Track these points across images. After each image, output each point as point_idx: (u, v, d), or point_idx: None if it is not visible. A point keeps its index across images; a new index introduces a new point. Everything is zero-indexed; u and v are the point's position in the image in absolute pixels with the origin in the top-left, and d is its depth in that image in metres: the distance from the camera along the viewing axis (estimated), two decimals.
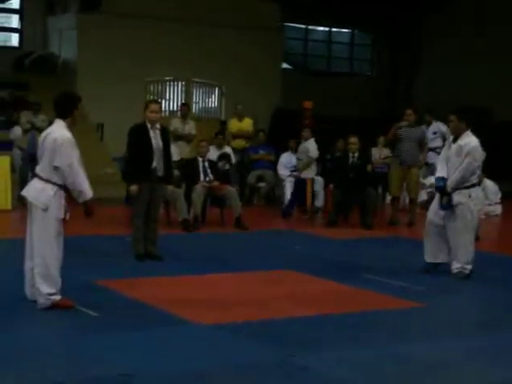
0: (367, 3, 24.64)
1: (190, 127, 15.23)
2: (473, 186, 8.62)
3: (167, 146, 9.46)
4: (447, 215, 8.60)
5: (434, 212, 8.77)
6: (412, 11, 25.24)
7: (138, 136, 9.34)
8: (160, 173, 9.30)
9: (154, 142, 9.24)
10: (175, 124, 15.22)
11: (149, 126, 9.26)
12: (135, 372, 5.19)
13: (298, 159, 14.30)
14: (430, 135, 14.94)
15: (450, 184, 8.48)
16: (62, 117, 6.82)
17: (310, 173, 14.13)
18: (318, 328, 6.55)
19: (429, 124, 15.64)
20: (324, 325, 6.66)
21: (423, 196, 14.55)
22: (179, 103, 19.24)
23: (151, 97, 19.22)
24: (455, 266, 8.63)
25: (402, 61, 26.73)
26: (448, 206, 8.53)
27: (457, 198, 8.50)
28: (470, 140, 8.55)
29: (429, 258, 8.79)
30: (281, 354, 5.75)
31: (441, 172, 8.64)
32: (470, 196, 8.58)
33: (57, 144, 6.62)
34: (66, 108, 6.85)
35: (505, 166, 20.73)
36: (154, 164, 9.22)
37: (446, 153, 8.72)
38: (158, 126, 9.35)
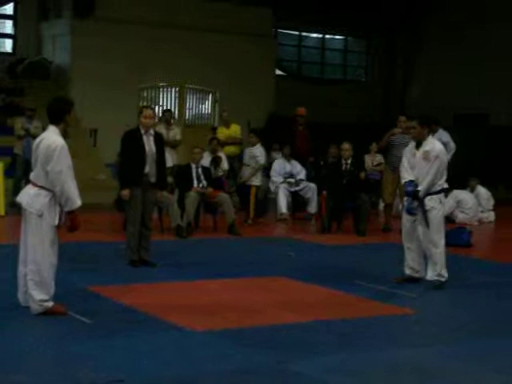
0: (361, 9, 24.68)
1: (174, 133, 15.15)
2: (442, 191, 8.61)
3: (161, 151, 9.46)
4: (420, 223, 8.55)
5: (408, 225, 8.73)
6: (409, 16, 25.27)
7: (131, 141, 9.34)
8: (152, 179, 9.30)
9: (147, 147, 9.24)
10: (159, 131, 15.15)
11: (142, 131, 9.27)
12: (127, 378, 5.18)
13: (246, 165, 14.29)
14: None
15: (422, 189, 8.45)
16: (55, 123, 6.79)
17: (255, 180, 14.16)
18: (310, 334, 6.55)
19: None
20: (317, 331, 6.65)
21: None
22: (172, 109, 19.21)
23: (144, 103, 19.19)
24: (431, 274, 8.58)
25: (397, 67, 26.77)
26: (415, 211, 8.50)
27: (429, 203, 8.46)
28: (434, 144, 8.58)
29: (407, 270, 8.79)
30: (273, 360, 5.74)
31: (408, 176, 8.58)
32: (440, 202, 8.57)
33: (50, 150, 6.59)
34: (59, 114, 6.81)
35: (501, 172, 20.85)
36: (147, 169, 9.22)
37: (410, 160, 8.68)
38: (151, 131, 9.37)
